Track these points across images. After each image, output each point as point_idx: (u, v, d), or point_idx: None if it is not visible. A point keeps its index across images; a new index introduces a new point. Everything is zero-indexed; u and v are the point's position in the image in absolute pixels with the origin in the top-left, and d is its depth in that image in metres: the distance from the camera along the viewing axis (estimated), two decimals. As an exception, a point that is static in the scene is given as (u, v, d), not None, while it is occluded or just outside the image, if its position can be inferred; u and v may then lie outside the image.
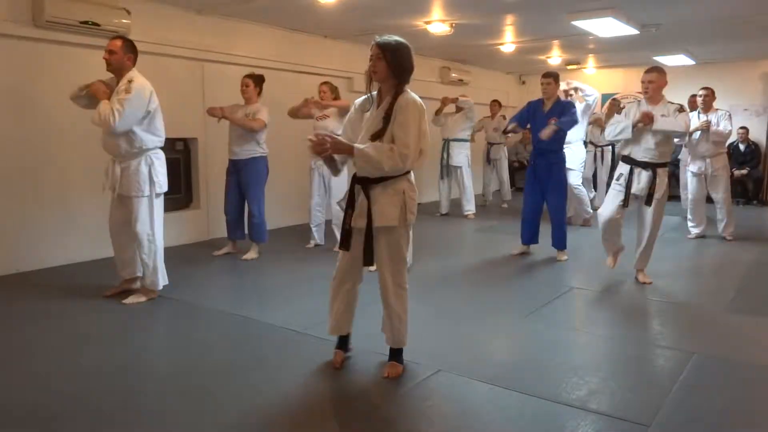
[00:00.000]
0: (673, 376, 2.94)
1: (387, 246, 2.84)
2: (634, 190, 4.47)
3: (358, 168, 2.73)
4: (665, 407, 2.61)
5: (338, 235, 5.81)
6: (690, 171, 6.70)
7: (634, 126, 4.39)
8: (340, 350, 3.11)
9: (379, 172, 2.70)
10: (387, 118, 2.71)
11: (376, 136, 2.72)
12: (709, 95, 6.43)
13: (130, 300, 4.15)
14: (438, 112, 7.96)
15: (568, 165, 7.12)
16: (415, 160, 2.73)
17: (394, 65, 2.71)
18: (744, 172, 9.48)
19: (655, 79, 4.39)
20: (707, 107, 6.42)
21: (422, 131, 2.74)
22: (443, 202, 8.31)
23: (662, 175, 4.44)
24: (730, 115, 6.46)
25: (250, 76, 5.46)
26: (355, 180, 2.86)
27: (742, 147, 9.62)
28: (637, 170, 4.46)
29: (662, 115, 4.33)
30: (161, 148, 4.18)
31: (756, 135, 9.90)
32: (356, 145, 2.69)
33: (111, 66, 3.96)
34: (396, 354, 3.00)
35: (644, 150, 4.42)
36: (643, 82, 4.44)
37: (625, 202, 4.51)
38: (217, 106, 5.41)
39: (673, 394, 2.74)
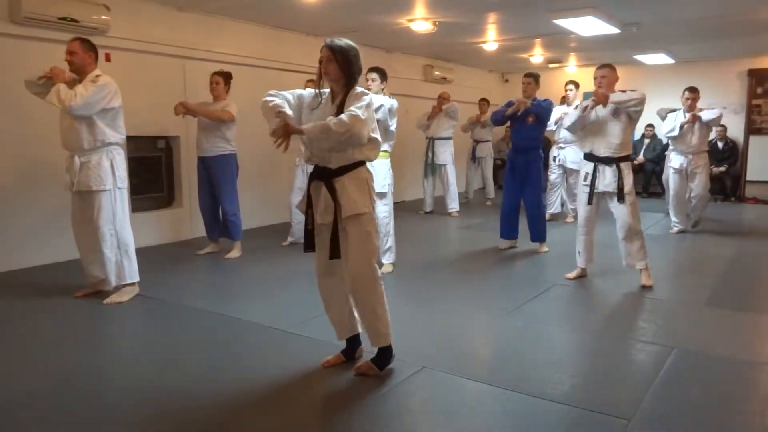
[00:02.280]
0: (653, 371, 2.98)
1: (359, 235, 2.83)
2: (600, 188, 4.46)
3: (310, 140, 2.74)
4: (646, 401, 2.64)
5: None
6: (671, 168, 6.81)
7: (583, 110, 4.42)
8: (342, 355, 3.07)
9: (327, 135, 2.68)
10: (340, 111, 2.77)
11: None
12: (697, 97, 6.50)
13: (110, 300, 4.11)
14: (430, 118, 8.01)
15: (569, 165, 7.25)
16: (364, 134, 2.71)
17: (344, 66, 2.78)
18: (722, 169, 9.63)
19: (607, 74, 4.45)
20: (693, 107, 6.52)
21: (372, 117, 2.78)
22: (427, 200, 8.35)
23: (626, 169, 4.42)
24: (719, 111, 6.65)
25: (218, 73, 5.43)
26: (314, 176, 2.89)
27: (720, 145, 9.76)
28: (600, 167, 4.46)
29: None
30: (122, 147, 4.18)
31: (734, 133, 10.06)
32: (304, 127, 2.73)
33: (74, 66, 3.99)
34: (380, 354, 2.94)
35: (606, 144, 4.41)
36: (595, 78, 4.49)
37: (590, 200, 4.53)
38: (179, 103, 5.33)
39: (653, 389, 2.77)
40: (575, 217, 7.31)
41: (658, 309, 4.14)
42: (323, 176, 2.85)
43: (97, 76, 3.97)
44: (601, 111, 4.42)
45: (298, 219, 6.04)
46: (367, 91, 2.84)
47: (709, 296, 4.34)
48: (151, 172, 6.29)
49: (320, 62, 2.81)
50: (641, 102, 4.30)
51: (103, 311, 3.98)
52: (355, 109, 2.69)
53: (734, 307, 4.11)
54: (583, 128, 4.57)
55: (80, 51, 3.96)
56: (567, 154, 7.26)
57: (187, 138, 6.27)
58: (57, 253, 5.19)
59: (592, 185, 4.50)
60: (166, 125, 6.08)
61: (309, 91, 2.95)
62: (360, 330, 3.08)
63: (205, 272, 5.20)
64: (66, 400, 2.69)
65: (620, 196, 4.41)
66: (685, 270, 5.36)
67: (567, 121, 4.68)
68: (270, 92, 2.85)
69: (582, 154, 7.33)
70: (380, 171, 4.80)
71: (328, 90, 2.89)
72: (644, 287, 4.48)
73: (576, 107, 4.66)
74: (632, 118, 4.41)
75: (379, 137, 2.87)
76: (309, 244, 2.93)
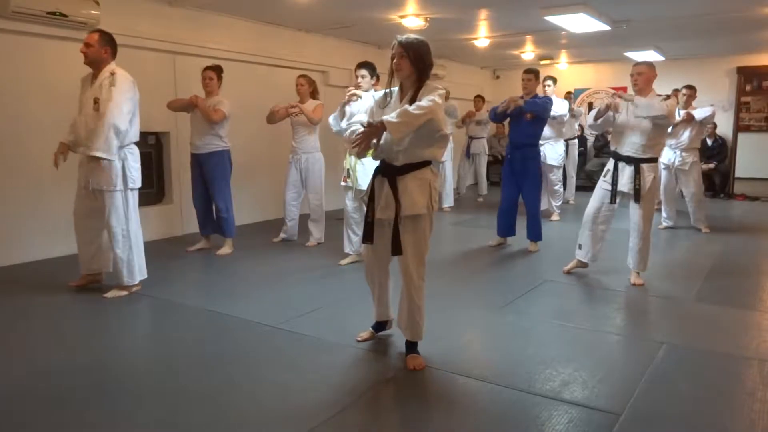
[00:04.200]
0: (643, 366, 3.01)
1: (413, 235, 2.91)
2: (619, 186, 4.41)
3: (395, 134, 2.69)
4: (636, 396, 2.66)
5: (313, 232, 5.87)
6: (661, 162, 6.85)
7: (609, 110, 4.37)
8: (373, 330, 3.29)
9: (413, 122, 2.67)
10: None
11: None
12: (693, 94, 6.68)
13: (111, 294, 4.12)
14: None
15: (549, 162, 7.27)
16: (442, 121, 2.75)
17: (416, 62, 2.82)
18: (711, 166, 9.69)
19: (645, 71, 4.35)
20: (688, 105, 6.64)
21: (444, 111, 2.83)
22: None
23: (647, 171, 4.33)
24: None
25: (211, 68, 5.39)
26: (379, 171, 2.95)
27: (709, 142, 9.83)
28: (621, 165, 4.42)
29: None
30: (135, 144, 4.14)
31: (723, 130, 10.14)
32: (384, 118, 2.71)
33: (88, 59, 3.93)
34: (414, 346, 3.05)
35: (629, 144, 4.36)
36: (632, 74, 4.39)
37: (612, 198, 4.47)
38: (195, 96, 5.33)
39: (643, 384, 2.79)
40: (542, 212, 7.35)
41: (648, 305, 4.18)
42: (388, 172, 2.89)
43: (112, 73, 3.90)
44: (630, 110, 4.33)
45: (292, 216, 6.04)
46: (438, 85, 2.85)
47: (698, 292, 4.38)
48: (142, 168, 6.22)
49: (392, 59, 2.84)
50: (666, 117, 4.23)
51: (94, 307, 3.95)
52: (429, 95, 2.72)
53: (723, 303, 4.15)
54: (609, 126, 4.55)
55: (96, 44, 3.90)
56: (546, 150, 7.26)
57: (177, 134, 6.23)
58: (62, 247, 5.17)
59: (614, 184, 4.44)
60: (156, 121, 6.04)
61: (381, 94, 3.00)
62: (394, 317, 3.18)
63: (196, 269, 5.18)
64: (57, 398, 2.68)
65: (636, 197, 4.35)
66: (675, 266, 5.40)
67: (593, 118, 4.62)
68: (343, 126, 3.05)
69: (561, 152, 7.43)
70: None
71: (396, 88, 2.92)
72: (634, 285, 4.49)
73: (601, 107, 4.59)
74: (662, 125, 4.34)
75: (448, 133, 2.92)
76: (368, 236, 3.00)
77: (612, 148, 4.57)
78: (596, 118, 4.56)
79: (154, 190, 6.37)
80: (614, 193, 4.46)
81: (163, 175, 6.42)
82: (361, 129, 2.79)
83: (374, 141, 2.80)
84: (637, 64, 4.45)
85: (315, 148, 5.84)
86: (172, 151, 6.32)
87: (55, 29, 5.06)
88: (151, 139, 6.29)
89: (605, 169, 4.58)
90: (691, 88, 6.69)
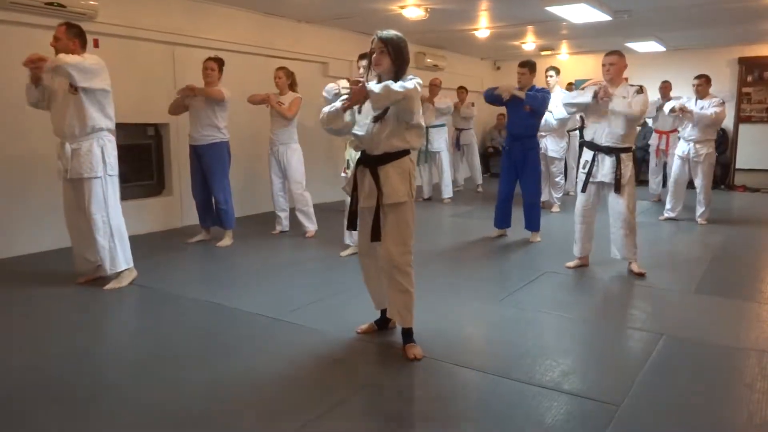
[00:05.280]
0: (642, 357, 3.01)
1: (396, 222, 2.96)
2: (598, 177, 4.43)
3: (374, 101, 2.77)
4: (635, 387, 2.67)
5: (304, 222, 5.87)
6: (676, 154, 6.87)
7: (594, 96, 4.35)
8: (375, 324, 3.30)
9: (391, 96, 2.74)
10: None
11: (378, 119, 2.89)
12: (702, 84, 6.57)
13: (110, 286, 4.12)
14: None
15: (551, 154, 7.26)
16: (415, 106, 2.80)
17: (395, 57, 2.88)
18: (712, 157, 9.66)
19: (616, 62, 4.39)
20: (703, 95, 6.56)
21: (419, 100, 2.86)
22: (425, 187, 8.42)
23: (626, 160, 4.38)
24: (723, 101, 6.58)
25: (213, 59, 5.37)
26: (360, 162, 3.01)
27: (710, 133, 9.79)
28: (600, 156, 4.43)
29: (623, 97, 4.30)
30: (112, 133, 4.13)
31: (724, 121, 10.09)
32: (367, 85, 2.80)
33: (57, 52, 3.90)
34: (409, 335, 3.06)
35: (608, 134, 4.36)
36: (604, 65, 4.43)
37: (584, 188, 4.51)
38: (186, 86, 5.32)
39: (642, 375, 2.80)
40: (543, 203, 7.34)
41: (647, 296, 4.18)
42: (369, 163, 2.96)
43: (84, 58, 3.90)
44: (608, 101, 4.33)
45: (282, 207, 6.05)
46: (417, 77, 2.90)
47: (698, 283, 4.38)
48: (141, 160, 6.24)
49: (371, 53, 2.90)
50: (637, 119, 4.30)
51: (94, 299, 3.96)
52: (409, 83, 2.80)
53: (722, 294, 4.15)
54: (583, 112, 4.58)
55: (64, 36, 3.88)
56: (548, 143, 7.25)
57: (177, 125, 6.22)
58: (56, 239, 5.14)
59: (589, 173, 4.46)
60: (156, 112, 6.03)
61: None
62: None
63: (196, 261, 5.19)
64: (54, 387, 2.69)
65: (617, 186, 4.37)
66: (674, 257, 5.40)
67: (571, 98, 4.63)
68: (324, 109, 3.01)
69: (563, 144, 7.42)
70: None
71: (374, 82, 2.94)
72: (637, 275, 4.49)
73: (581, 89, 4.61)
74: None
75: (423, 123, 2.97)
76: (352, 224, 3.11)
77: (588, 138, 4.55)
78: (573, 103, 4.58)
79: (153, 181, 6.37)
80: (587, 182, 4.48)
81: (162, 167, 6.41)
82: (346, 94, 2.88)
83: (357, 106, 2.90)
84: (609, 54, 4.46)
85: (292, 139, 5.86)
86: (172, 142, 6.30)
87: (53, 20, 5.01)
88: (151, 131, 6.28)
89: (583, 160, 4.58)
90: (702, 77, 6.56)
